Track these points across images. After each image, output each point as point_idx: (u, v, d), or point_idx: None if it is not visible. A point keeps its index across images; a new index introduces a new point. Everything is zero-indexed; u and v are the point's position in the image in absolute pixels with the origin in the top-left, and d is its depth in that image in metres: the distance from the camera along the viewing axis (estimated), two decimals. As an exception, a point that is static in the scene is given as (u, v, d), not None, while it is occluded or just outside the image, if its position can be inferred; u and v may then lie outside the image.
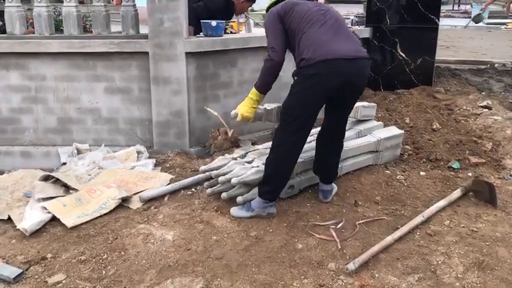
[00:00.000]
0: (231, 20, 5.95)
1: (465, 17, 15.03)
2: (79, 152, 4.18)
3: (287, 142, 2.83)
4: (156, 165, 3.88)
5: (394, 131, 3.85)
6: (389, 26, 5.42)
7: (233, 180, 2.98)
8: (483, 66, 6.15)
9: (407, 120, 4.56)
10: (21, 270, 2.45)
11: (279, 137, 2.88)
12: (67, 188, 3.34)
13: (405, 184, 3.45)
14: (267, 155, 2.93)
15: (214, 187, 3.15)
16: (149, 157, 4.03)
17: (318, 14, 2.83)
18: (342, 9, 10.45)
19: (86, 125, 4.32)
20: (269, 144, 3.44)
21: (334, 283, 2.35)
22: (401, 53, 5.42)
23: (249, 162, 3.22)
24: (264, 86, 2.93)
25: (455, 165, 3.75)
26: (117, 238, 2.76)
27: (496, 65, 6.11)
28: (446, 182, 3.51)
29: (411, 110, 4.83)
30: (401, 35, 5.39)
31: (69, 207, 3.02)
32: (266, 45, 2.91)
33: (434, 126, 4.42)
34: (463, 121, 4.63)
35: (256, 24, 7.06)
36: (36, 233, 2.83)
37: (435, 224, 2.90)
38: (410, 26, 5.33)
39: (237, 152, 3.44)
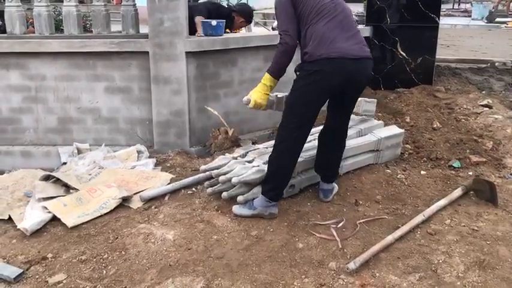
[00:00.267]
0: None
1: (465, 16, 15.05)
2: (79, 151, 4.19)
3: (289, 138, 2.82)
4: (156, 164, 3.89)
5: (394, 130, 3.85)
6: (390, 25, 5.41)
7: (233, 180, 2.98)
8: (483, 65, 6.15)
9: (408, 119, 4.55)
10: (21, 270, 2.45)
11: (281, 134, 2.86)
12: (67, 188, 3.33)
13: (406, 183, 3.45)
14: (270, 154, 2.93)
15: (215, 186, 3.15)
16: (149, 157, 4.03)
17: (329, 7, 2.78)
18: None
19: (86, 124, 4.32)
20: (269, 143, 3.45)
21: (335, 282, 2.34)
22: (402, 52, 5.41)
23: (250, 162, 3.21)
24: (278, 70, 2.81)
25: (456, 164, 3.74)
26: (117, 238, 2.76)
27: (496, 64, 6.11)
28: (447, 181, 3.51)
29: (411, 109, 4.83)
30: (401, 34, 5.38)
31: (70, 207, 3.02)
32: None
33: (435, 125, 4.41)
34: (463, 120, 4.62)
35: (256, 24, 7.07)
36: (37, 232, 2.83)
37: (436, 223, 2.90)
38: (411, 25, 5.32)
39: (238, 152, 3.44)
